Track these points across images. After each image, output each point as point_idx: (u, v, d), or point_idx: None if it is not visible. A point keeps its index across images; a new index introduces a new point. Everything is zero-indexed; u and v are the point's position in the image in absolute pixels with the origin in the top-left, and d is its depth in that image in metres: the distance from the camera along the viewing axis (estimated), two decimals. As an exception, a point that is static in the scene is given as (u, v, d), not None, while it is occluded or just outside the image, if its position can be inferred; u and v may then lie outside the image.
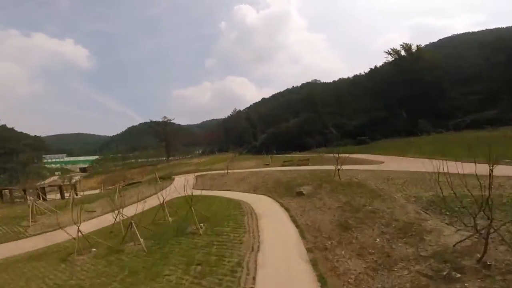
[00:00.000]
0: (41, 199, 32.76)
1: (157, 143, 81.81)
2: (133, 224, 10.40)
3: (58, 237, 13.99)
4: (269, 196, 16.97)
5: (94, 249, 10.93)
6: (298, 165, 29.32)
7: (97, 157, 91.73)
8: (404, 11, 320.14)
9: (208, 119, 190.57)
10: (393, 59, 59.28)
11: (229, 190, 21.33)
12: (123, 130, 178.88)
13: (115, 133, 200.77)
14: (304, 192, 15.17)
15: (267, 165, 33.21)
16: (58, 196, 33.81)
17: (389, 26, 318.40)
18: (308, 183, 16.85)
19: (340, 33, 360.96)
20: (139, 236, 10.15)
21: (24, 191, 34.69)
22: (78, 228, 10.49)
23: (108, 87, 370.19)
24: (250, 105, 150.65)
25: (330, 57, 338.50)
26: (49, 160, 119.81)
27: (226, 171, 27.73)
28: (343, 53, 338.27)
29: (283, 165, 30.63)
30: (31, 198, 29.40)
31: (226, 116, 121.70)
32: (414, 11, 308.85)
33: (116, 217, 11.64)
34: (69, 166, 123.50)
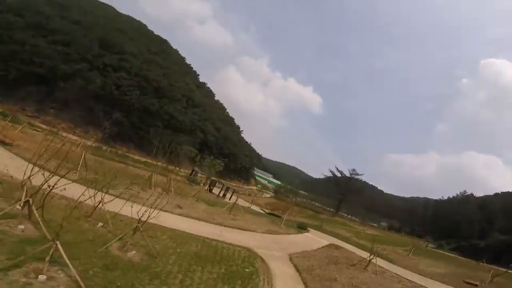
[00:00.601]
0: (209, 191, 38.72)
1: (334, 194, 75.34)
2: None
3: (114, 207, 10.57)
4: None
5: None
6: None
7: (282, 184, 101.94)
8: None
9: (420, 196, 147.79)
10: None
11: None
12: (326, 176, 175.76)
13: (318, 176, 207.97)
14: None
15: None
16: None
17: None
18: None
19: None
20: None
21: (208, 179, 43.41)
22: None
23: (328, 134, 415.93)
24: (495, 193, 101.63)
25: None
26: (259, 174, 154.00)
27: (369, 256, 15.66)
28: None
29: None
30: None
31: (446, 197, 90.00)
32: None
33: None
34: (268, 185, 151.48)
